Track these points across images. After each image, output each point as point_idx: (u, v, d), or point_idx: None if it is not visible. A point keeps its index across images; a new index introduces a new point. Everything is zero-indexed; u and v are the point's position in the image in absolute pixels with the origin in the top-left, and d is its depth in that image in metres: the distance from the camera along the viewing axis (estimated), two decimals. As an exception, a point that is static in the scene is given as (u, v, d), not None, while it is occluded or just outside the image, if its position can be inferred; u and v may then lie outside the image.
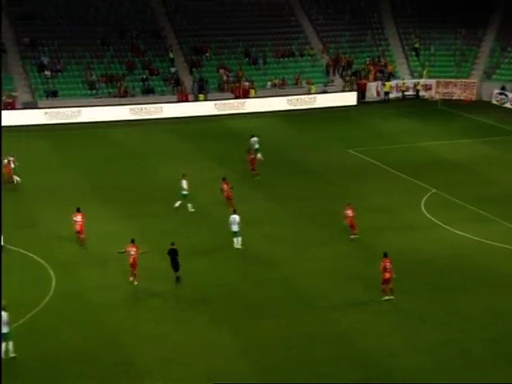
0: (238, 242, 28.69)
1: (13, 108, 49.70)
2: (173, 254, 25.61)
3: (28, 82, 52.53)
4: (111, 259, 26.99)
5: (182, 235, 28.74)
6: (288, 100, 55.18)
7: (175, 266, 25.57)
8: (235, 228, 28.49)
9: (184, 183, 32.61)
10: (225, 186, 32.72)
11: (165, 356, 20.97)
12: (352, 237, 29.39)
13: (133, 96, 53.49)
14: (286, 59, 59.30)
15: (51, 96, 51.85)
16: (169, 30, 59.29)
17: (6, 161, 36.97)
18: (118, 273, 26.25)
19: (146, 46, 57.49)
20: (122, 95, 53.18)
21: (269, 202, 34.34)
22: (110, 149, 44.21)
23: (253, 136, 41.39)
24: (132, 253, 25.51)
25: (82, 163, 40.75)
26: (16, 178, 36.56)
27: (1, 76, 46.29)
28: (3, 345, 20.58)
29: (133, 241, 25.87)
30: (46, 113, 49.79)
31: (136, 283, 25.58)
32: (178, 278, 25.66)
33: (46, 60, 53.81)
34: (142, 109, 51.97)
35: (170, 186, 36.22)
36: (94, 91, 53.20)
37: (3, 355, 20.50)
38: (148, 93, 54.22)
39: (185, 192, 32.55)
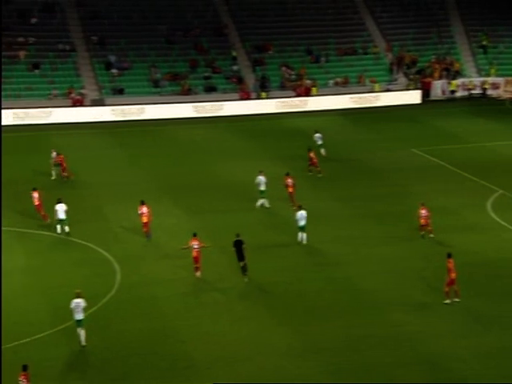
0: (303, 237, 28.73)
1: (81, 105, 51.13)
2: (238, 244, 25.88)
3: (96, 80, 53.91)
4: (175, 253, 27.36)
5: (246, 231, 28.90)
6: (351, 98, 54.76)
7: (241, 256, 25.82)
8: (302, 223, 28.50)
9: (261, 179, 32.54)
10: (289, 180, 32.83)
11: (226, 354, 21.08)
12: (431, 236, 29.03)
13: (196, 94, 54.17)
14: (348, 57, 58.83)
15: (117, 93, 53.05)
16: (232, 28, 59.72)
17: (59, 157, 37.26)
18: (182, 267, 26.62)
19: (210, 44, 58.09)
20: (185, 93, 53.93)
21: (331, 200, 34.17)
22: (172, 146, 44.87)
23: (316, 132, 41.54)
24: (195, 246, 25.90)
25: (145, 160, 41.49)
26: (54, 173, 37.04)
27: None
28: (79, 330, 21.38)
29: (195, 235, 26.21)
30: (112, 110, 51.00)
31: (198, 275, 25.91)
32: (243, 268, 25.85)
33: (113, 58, 55.09)
34: (204, 107, 52.57)
35: (232, 183, 36.58)
36: (158, 89, 54.15)
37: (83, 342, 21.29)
38: (210, 91, 54.80)
39: (262, 188, 32.51)
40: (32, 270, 26.68)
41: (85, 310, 21.58)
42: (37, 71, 52.90)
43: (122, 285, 25.51)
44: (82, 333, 21.45)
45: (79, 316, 21.44)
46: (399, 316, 23.19)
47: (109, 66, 54.58)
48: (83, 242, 29.00)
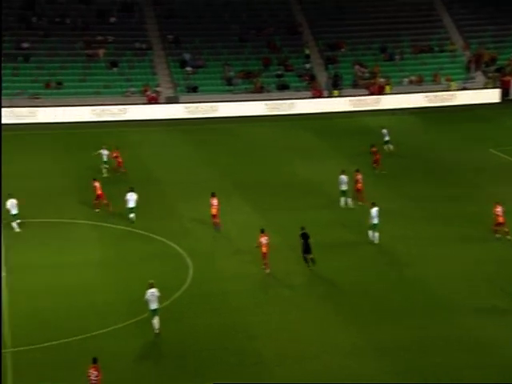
0: (374, 236, 28.44)
1: (156, 102, 52.25)
2: (305, 237, 26.05)
3: (170, 78, 54.96)
4: (247, 249, 27.65)
5: (316, 229, 28.88)
6: (425, 97, 53.68)
7: (307, 248, 25.97)
8: (375, 221, 28.22)
9: (343, 179, 32.33)
10: (358, 177, 32.53)
11: (294, 351, 21.15)
12: (508, 238, 28.30)
13: (268, 92, 54.38)
14: (424, 55, 57.65)
15: (191, 91, 53.92)
16: (305, 27, 59.60)
17: (115, 152, 37.81)
18: (252, 263, 26.87)
19: (282, 42, 58.16)
20: (258, 91, 54.22)
21: (404, 199, 33.67)
22: (245, 144, 45.20)
23: (383, 128, 41.40)
24: (264, 242, 26.10)
25: (218, 157, 41.99)
26: (104, 170, 37.33)
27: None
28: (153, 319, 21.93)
29: (263, 231, 26.40)
30: (186, 107, 51.87)
31: (267, 271, 26.08)
32: (312, 260, 26.02)
33: (187, 56, 56.01)
34: (276, 104, 52.71)
35: (304, 181, 36.57)
36: (231, 87, 54.68)
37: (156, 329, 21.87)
38: (283, 89, 54.87)
39: (344, 188, 32.30)
40: (107, 263, 27.47)
41: (159, 299, 22.08)
42: (115, 69, 54.39)
43: (194, 279, 25.95)
44: (156, 321, 22.01)
45: (154, 305, 21.99)
46: (471, 320, 22.66)
47: (183, 64, 55.53)
48: (157, 237, 29.63)
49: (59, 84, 52.03)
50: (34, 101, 50.20)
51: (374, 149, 37.95)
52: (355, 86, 55.36)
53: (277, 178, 37.67)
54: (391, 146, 40.50)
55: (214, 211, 29.98)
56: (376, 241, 28.42)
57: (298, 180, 37.00)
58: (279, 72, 55.96)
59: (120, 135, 46.41)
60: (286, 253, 27.53)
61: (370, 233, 28.47)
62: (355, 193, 32.52)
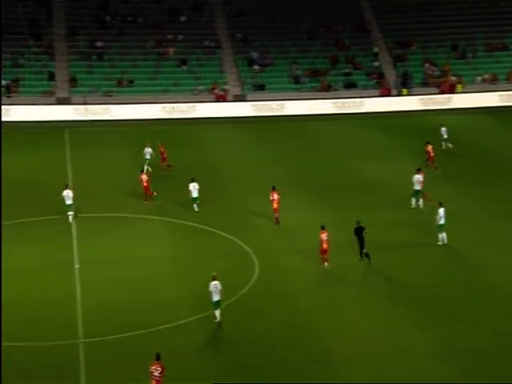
0: (443, 237, 28.01)
1: (224, 100, 52.79)
2: (359, 231, 26.13)
3: (238, 76, 55.40)
4: (311, 247, 27.62)
5: (384, 230, 28.61)
6: (499, 96, 52.13)
7: (362, 243, 25.92)
8: (442, 221, 27.81)
9: (418, 178, 31.85)
10: (419, 176, 32.15)
11: (362, 352, 21.06)
12: None
13: (335, 90, 54.08)
14: (498, 53, 55.98)
15: (259, 89, 54.20)
16: (374, 24, 58.90)
17: (161, 147, 37.87)
18: (318, 261, 26.83)
19: (351, 40, 57.67)
20: (325, 89, 54.00)
21: (471, 200, 32.96)
22: (311, 142, 45.09)
23: (442, 125, 41.12)
24: (324, 238, 26.16)
25: (284, 155, 42.03)
26: (148, 168, 37.25)
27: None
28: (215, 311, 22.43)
29: (323, 227, 26.42)
30: (253, 105, 52.18)
31: (326, 266, 26.14)
32: (367, 255, 26.10)
33: (255, 55, 56.29)
34: (343, 103, 52.35)
35: (371, 180, 36.22)
36: (298, 85, 54.64)
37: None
38: (350, 87, 54.43)
39: (417, 187, 31.84)
40: (174, 259, 27.97)
41: (221, 292, 22.45)
42: (184, 67, 55.24)
43: (260, 277, 26.14)
44: (217, 312, 22.49)
45: (217, 297, 22.47)
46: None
47: (251, 62, 55.85)
48: (224, 234, 30.00)
49: (131, 82, 53.28)
50: (107, 98, 51.63)
51: (428, 147, 37.37)
52: (425, 84, 54.32)
53: (343, 176, 37.45)
54: (450, 145, 40.01)
55: (274, 205, 30.33)
56: (444, 242, 27.92)
57: (365, 178, 36.68)
58: (347, 70, 55.52)
59: (188, 132, 47.18)
60: (351, 251, 27.38)
61: (440, 235, 28.00)
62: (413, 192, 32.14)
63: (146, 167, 36.75)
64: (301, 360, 20.82)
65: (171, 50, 55.79)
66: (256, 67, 55.51)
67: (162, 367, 18.55)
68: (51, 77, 52.29)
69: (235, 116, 51.00)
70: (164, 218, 31.66)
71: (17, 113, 48.41)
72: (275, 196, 30.53)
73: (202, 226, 30.71)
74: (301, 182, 36.80)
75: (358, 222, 26.62)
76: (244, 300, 24.48)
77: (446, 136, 40.73)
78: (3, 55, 52.64)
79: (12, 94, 50.38)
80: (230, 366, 20.76)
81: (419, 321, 22.70)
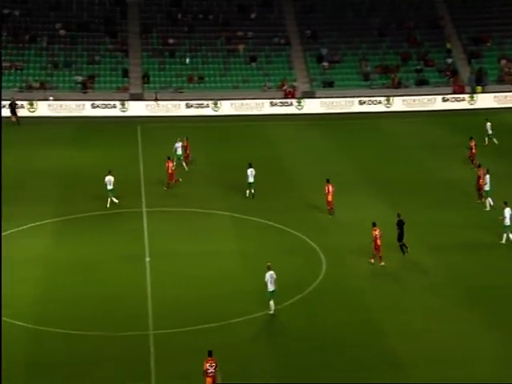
0: (508, 237, 27.39)
1: (292, 97, 52.82)
2: (401, 224, 26.75)
3: (307, 73, 55.29)
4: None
5: (454, 230, 28.07)
6: None
7: (401, 236, 26.78)
8: (508, 222, 27.21)
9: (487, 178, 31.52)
10: (480, 172, 31.62)
11: (433, 354, 20.72)
12: None
13: (406, 87, 53.22)
14: None
15: (327, 86, 53.95)
16: (447, 20, 57.62)
17: (185, 142, 38.19)
18: (385, 260, 26.57)
19: (423, 36, 56.63)
20: (396, 86, 53.22)
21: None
22: (380, 139, 44.64)
23: (487, 121, 41.51)
24: (377, 235, 26.25)
25: (352, 152, 41.71)
26: (185, 166, 37.43)
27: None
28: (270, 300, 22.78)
29: (374, 224, 26.43)
30: (321, 102, 52.00)
31: (382, 264, 26.11)
32: (404, 246, 26.47)
33: (324, 51, 56.07)
34: (414, 100, 51.49)
35: (443, 179, 35.57)
36: (368, 82, 54.06)
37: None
38: (422, 84, 53.47)
39: (487, 188, 31.41)
40: (243, 254, 28.20)
41: (276, 281, 22.74)
42: (253, 64, 55.60)
43: (327, 275, 26.10)
44: (271, 302, 22.80)
45: (272, 287, 22.83)
46: None
47: (320, 59, 55.65)
48: (292, 231, 30.09)
49: (201, 78, 54.05)
50: (178, 94, 52.52)
51: (472, 143, 37.00)
52: (501, 81, 52.76)
53: (411, 175, 36.90)
54: (496, 140, 39.89)
55: (329, 198, 30.96)
56: (509, 241, 27.21)
57: (436, 178, 36.06)
58: (418, 67, 54.56)
59: (257, 129, 47.47)
60: (424, 252, 26.94)
61: (505, 235, 27.36)
62: (478, 191, 31.45)
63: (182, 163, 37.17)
64: (369, 359, 20.68)
65: (241, 46, 56.23)
66: (325, 64, 55.27)
67: (215, 363, 18.64)
68: (125, 73, 53.66)
69: (304, 113, 50.94)
70: (232, 214, 31.99)
71: (91, 108, 49.97)
72: (330, 188, 31.08)
73: (270, 222, 30.88)
74: (369, 179, 36.46)
75: (399, 215, 27.11)
76: (311, 297, 24.48)
77: (490, 132, 41.17)
78: (79, 52, 54.47)
79: (87, 90, 52.02)
80: (295, 363, 20.77)
81: (492, 324, 22.19)
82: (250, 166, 33.41)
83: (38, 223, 30.42)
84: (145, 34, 56.32)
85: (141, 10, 58.14)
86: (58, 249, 28.29)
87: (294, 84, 53.81)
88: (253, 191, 33.36)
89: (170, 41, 56.27)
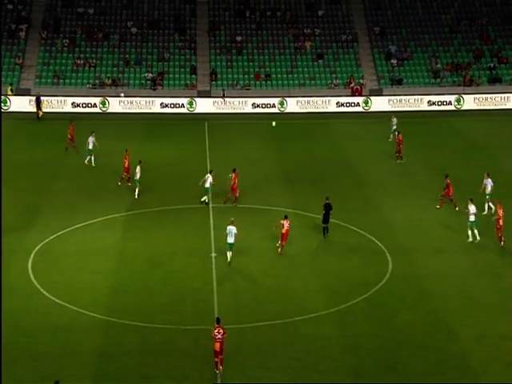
0: None
1: (360, 95, 52.28)
2: (327, 207, 28.47)
3: (375, 70, 54.62)
4: (447, 248, 27.05)
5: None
6: None
7: (326, 219, 28.51)
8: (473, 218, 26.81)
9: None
10: None
11: (503, 359, 20.27)
12: None
13: (478, 85, 51.85)
14: None
15: (396, 84, 53.15)
16: (523, 15, 55.78)
17: None
18: (453, 262, 26.18)
19: (496, 33, 55.01)
20: (467, 84, 51.92)
21: None
22: (451, 138, 43.69)
23: None
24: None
25: (423, 151, 40.86)
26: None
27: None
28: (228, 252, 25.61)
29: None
30: (389, 100, 51.26)
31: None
32: (326, 230, 28.51)
33: (393, 48, 55.23)
34: (486, 98, 50.12)
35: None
36: (437, 80, 52.95)
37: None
38: (494, 82, 51.96)
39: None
40: (309, 253, 28.13)
41: (236, 236, 25.53)
42: (320, 61, 55.33)
43: (393, 275, 25.77)
44: (229, 254, 26.05)
45: (231, 240, 25.97)
46: None
47: (389, 56, 54.84)
48: (358, 230, 29.83)
49: (267, 76, 54.19)
50: (245, 92, 52.83)
51: None
52: None
53: (497, 175, 35.79)
54: None
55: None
56: None
57: (507, 180, 34.96)
58: (491, 64, 53.03)
59: (323, 126, 47.22)
60: (493, 255, 26.30)
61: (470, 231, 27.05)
62: None
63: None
64: (437, 362, 20.32)
65: (308, 44, 56.04)
66: (393, 61, 54.44)
67: (223, 330, 19.80)
68: (193, 70, 54.40)
69: (370, 111, 50.37)
70: (298, 211, 31.96)
71: (161, 105, 50.86)
72: None
73: (335, 221, 30.64)
74: (434, 180, 35.67)
75: (327, 198, 28.85)
76: (377, 297, 24.23)
77: None
78: (150, 50, 55.54)
79: (157, 87, 53.01)
80: (362, 362, 20.62)
81: None
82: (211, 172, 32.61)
83: (111, 216, 31.22)
84: (213, 31, 56.89)
85: (209, 8, 58.74)
86: (128, 241, 28.97)
87: (362, 81, 53.24)
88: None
89: (238, 38, 56.64)
